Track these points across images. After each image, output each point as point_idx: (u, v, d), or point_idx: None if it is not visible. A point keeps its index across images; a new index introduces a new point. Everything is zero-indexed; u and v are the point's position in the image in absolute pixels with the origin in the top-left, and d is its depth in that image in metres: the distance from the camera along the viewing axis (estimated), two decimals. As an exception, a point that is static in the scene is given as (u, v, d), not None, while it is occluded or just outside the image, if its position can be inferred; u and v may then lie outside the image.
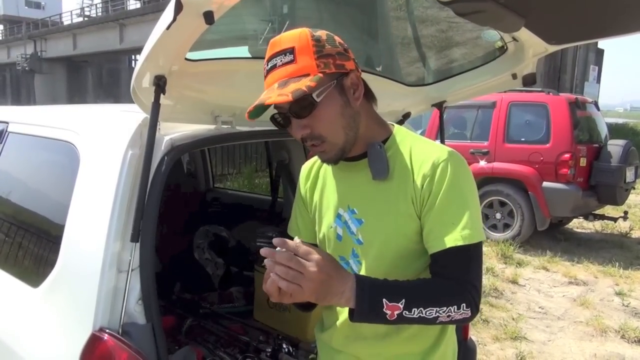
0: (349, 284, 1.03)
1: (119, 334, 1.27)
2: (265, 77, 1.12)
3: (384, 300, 1.03)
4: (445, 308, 1.06)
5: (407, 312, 1.04)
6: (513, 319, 4.24)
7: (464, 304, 1.07)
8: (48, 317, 1.48)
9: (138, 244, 1.30)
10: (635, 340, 3.91)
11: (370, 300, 1.03)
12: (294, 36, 1.09)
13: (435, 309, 1.05)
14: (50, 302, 1.49)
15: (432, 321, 1.06)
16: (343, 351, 1.25)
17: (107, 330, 1.28)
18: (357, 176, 1.20)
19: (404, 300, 1.03)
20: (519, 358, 3.59)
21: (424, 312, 1.04)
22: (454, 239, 1.08)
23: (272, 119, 1.16)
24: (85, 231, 1.41)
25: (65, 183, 1.52)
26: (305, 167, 1.36)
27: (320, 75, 1.07)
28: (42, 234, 1.75)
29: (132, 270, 1.30)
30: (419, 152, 1.16)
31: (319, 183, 1.30)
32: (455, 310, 1.06)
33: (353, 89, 1.13)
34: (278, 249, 1.01)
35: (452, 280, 1.09)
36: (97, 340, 1.27)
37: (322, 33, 1.12)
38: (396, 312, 1.03)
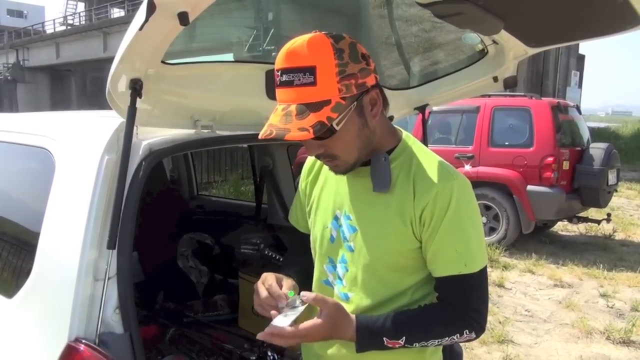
0: (349, 334, 1.09)
1: (95, 344, 1.23)
2: (277, 86, 1.04)
3: (384, 338, 1.10)
4: (447, 338, 1.12)
5: (408, 345, 1.11)
6: (500, 322, 4.24)
7: (467, 330, 1.12)
8: (23, 327, 1.44)
9: (115, 252, 1.27)
10: (620, 341, 3.94)
11: (371, 341, 1.10)
12: (315, 51, 1.00)
13: (437, 340, 1.11)
14: (25, 313, 1.45)
15: (436, 346, 1.16)
16: (324, 356, 1.24)
17: (83, 341, 1.24)
18: (358, 182, 1.18)
19: (404, 337, 1.10)
20: (506, 361, 3.59)
21: (426, 343, 1.11)
22: (457, 268, 1.09)
23: None
24: (61, 239, 1.38)
25: (41, 190, 1.49)
26: (309, 160, 1.34)
27: (342, 102, 1.02)
28: (16, 243, 1.70)
29: (108, 278, 1.26)
30: (424, 171, 1.13)
31: (321, 179, 1.29)
32: (459, 337, 1.12)
33: (372, 104, 1.09)
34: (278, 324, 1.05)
35: (455, 307, 1.11)
36: (72, 351, 1.23)
37: (344, 45, 1.03)
38: (398, 345, 1.10)
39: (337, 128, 1.04)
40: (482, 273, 1.12)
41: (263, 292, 1.12)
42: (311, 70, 0.99)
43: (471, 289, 1.11)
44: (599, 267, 5.68)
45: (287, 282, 1.17)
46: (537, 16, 1.51)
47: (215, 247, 3.10)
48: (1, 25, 47.03)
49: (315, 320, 1.06)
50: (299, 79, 1.00)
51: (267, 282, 1.14)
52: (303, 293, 1.09)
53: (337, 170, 1.15)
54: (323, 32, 1.04)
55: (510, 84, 1.93)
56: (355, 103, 1.06)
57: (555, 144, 6.05)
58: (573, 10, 1.44)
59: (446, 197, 1.08)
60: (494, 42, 1.75)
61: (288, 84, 1.01)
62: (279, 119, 1.02)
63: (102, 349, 1.23)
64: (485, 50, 1.84)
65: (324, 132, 1.03)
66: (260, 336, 1.04)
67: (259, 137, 1.02)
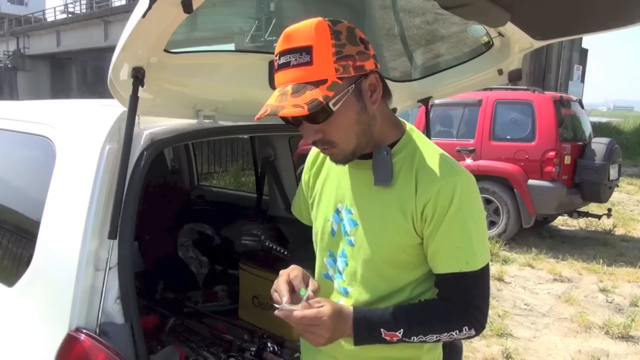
0: (349, 325, 1.09)
1: (96, 334, 1.23)
2: (275, 71, 1.04)
3: (382, 330, 1.09)
4: (446, 333, 1.10)
5: (406, 339, 1.09)
6: (499, 316, 4.25)
7: (466, 327, 1.10)
8: (23, 317, 1.44)
9: (116, 241, 1.26)
10: (618, 336, 3.94)
11: (368, 331, 1.09)
12: (312, 32, 1.00)
13: (435, 335, 1.10)
14: (25, 302, 1.44)
15: (435, 342, 1.13)
16: (322, 350, 1.23)
17: (84, 330, 1.24)
18: (360, 175, 1.17)
19: (402, 330, 1.08)
20: (505, 355, 3.60)
21: (424, 338, 1.10)
22: (458, 265, 1.08)
23: (283, 117, 1.08)
24: (62, 228, 1.37)
25: (41, 179, 1.48)
26: (313, 152, 1.33)
27: (339, 81, 1.00)
28: (17, 232, 1.70)
29: (109, 268, 1.26)
30: (427, 165, 1.11)
31: (324, 171, 1.28)
32: (458, 333, 1.10)
33: (371, 90, 1.07)
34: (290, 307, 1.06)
35: (455, 304, 1.10)
36: (73, 341, 1.23)
37: (342, 27, 1.03)
38: (395, 339, 1.09)
39: (334, 109, 1.02)
40: (484, 271, 1.10)
41: (283, 282, 1.11)
42: (307, 50, 0.99)
43: (472, 286, 1.10)
44: (598, 262, 5.68)
45: (313, 283, 1.14)
46: (543, 8, 1.49)
47: (216, 237, 3.10)
48: (2, 12, 46.76)
49: (319, 309, 1.06)
50: (296, 59, 1.00)
51: (293, 273, 1.13)
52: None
53: (335, 159, 1.13)
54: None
55: (515, 77, 1.91)
56: (353, 86, 1.04)
57: (557, 138, 6.03)
58: (580, 3, 1.42)
59: (449, 193, 1.06)
60: (500, 34, 1.73)
61: (285, 65, 1.01)
62: (275, 99, 1.01)
63: (102, 339, 1.23)
64: (491, 43, 1.82)
65: (320, 115, 1.02)
66: (277, 312, 1.05)
67: (255, 119, 1.02)
